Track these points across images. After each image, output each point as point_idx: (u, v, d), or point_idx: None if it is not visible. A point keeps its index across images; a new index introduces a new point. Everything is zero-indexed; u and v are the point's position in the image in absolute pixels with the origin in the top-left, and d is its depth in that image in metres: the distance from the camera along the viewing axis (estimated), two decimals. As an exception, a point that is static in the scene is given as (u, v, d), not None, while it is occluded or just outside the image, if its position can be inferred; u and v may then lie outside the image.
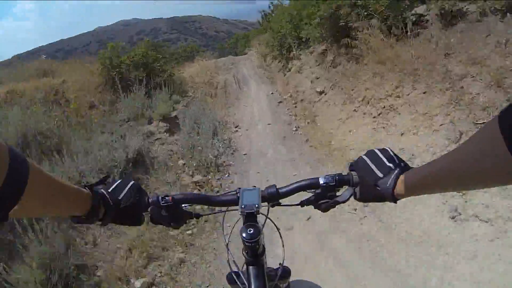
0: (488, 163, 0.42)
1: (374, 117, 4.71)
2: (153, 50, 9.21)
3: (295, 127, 6.11)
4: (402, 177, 0.66)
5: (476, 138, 0.46)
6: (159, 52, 9.64)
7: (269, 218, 0.86)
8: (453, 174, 0.51)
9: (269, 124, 6.53)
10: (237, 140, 6.04)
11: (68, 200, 0.59)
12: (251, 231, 0.76)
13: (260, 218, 0.83)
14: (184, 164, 4.91)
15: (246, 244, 0.78)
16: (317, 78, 7.17)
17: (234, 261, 0.86)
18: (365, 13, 5.59)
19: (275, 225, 0.91)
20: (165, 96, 6.92)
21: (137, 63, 7.62)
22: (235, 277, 0.90)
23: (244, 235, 0.77)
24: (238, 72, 12.07)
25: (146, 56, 8.22)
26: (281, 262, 0.91)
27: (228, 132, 6.42)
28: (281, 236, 0.94)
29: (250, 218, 0.79)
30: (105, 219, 0.71)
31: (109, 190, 0.74)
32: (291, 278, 1.07)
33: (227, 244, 0.88)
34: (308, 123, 6.06)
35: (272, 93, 8.61)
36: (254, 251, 0.80)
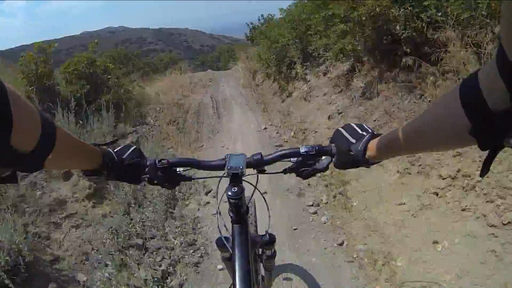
0: (448, 128, 0.46)
1: (492, 225, 2.09)
2: (119, 59, 6.87)
3: (313, 203, 3.34)
4: (373, 142, 0.70)
5: (438, 104, 0.50)
6: (127, 61, 7.15)
7: (257, 189, 0.96)
8: (418, 136, 0.56)
9: (264, 193, 3.75)
10: (209, 223, 3.25)
11: (85, 156, 0.68)
12: (235, 190, 0.82)
13: (248, 191, 0.90)
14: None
15: (231, 201, 0.83)
16: (340, 113, 4.57)
17: (225, 226, 0.91)
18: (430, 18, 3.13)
19: (260, 192, 0.97)
20: (107, 126, 4.58)
21: (80, 74, 5.51)
22: (224, 240, 0.91)
23: (229, 193, 0.82)
24: (218, 92, 9.41)
25: (93, 64, 5.49)
26: (267, 229, 0.98)
27: (194, 203, 3.64)
28: (266, 204, 0.98)
29: (235, 178, 0.84)
30: (110, 175, 0.79)
31: (115, 150, 0.82)
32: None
33: (218, 210, 0.90)
34: (334, 197, 3.35)
35: (265, 128, 5.90)
36: (238, 209, 0.85)
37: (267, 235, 0.99)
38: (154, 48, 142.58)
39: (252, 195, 0.97)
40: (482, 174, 0.45)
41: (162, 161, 0.85)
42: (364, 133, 0.75)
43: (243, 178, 0.87)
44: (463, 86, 0.41)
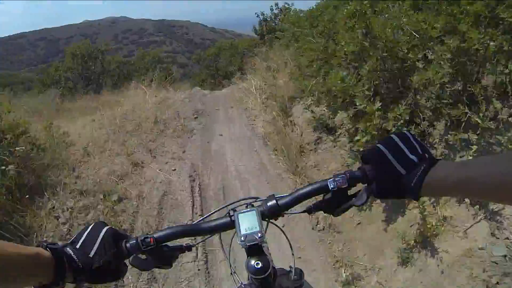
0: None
1: None
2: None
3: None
4: (428, 176, 0.55)
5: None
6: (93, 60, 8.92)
7: (279, 228, 0.81)
8: (494, 188, 0.47)
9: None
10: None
11: (25, 273, 0.49)
12: (259, 265, 0.66)
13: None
14: None
15: (257, 280, 0.68)
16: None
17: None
18: None
19: (283, 232, 0.84)
20: None
21: None
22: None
23: (251, 270, 0.66)
24: (209, 156, 4.35)
25: None
26: (292, 266, 0.81)
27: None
28: (289, 241, 0.85)
29: (254, 250, 0.67)
30: (79, 282, 0.58)
31: (77, 247, 0.60)
32: None
33: (233, 271, 0.81)
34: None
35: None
36: (268, 285, 0.70)
37: (294, 269, 0.80)
38: (154, 39, 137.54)
39: (266, 228, 0.73)
40: None
41: (146, 240, 0.66)
42: (414, 157, 0.57)
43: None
44: None
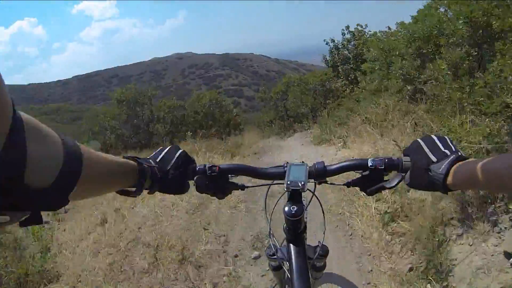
0: None
1: None
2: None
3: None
4: (456, 166, 0.60)
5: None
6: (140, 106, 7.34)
7: (315, 196, 0.88)
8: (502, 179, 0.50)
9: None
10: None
11: (117, 176, 0.60)
12: (294, 209, 0.73)
13: (306, 193, 0.80)
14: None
15: (288, 221, 0.76)
16: None
17: (274, 237, 0.86)
18: None
19: (320, 204, 0.92)
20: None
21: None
22: (275, 251, 0.87)
23: (287, 211, 0.74)
24: None
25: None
26: (321, 241, 0.89)
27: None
28: (324, 215, 0.93)
29: (294, 195, 0.76)
30: (152, 189, 0.70)
31: (158, 160, 0.73)
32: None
33: (269, 219, 0.88)
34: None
35: None
36: (296, 229, 0.78)
37: (321, 246, 0.89)
38: (220, 73, 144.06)
39: (308, 203, 0.87)
40: None
41: (213, 167, 0.78)
42: (447, 151, 0.64)
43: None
44: None
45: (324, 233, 0.89)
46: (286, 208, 0.74)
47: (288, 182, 0.75)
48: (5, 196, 0.34)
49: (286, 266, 0.81)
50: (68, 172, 0.41)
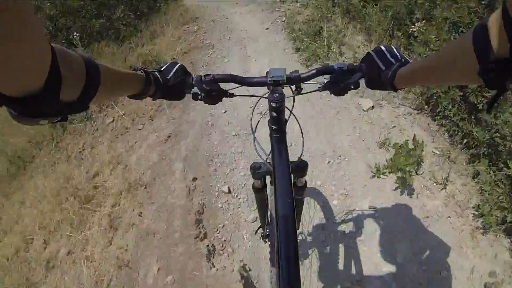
0: (460, 66, 0.52)
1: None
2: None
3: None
4: (401, 70, 0.76)
5: (454, 44, 0.57)
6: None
7: (292, 113, 0.98)
8: (432, 70, 0.62)
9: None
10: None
11: (128, 85, 0.72)
12: (276, 95, 0.86)
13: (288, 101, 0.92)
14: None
15: (272, 106, 0.87)
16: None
17: (262, 149, 0.96)
18: None
19: (296, 118, 1.00)
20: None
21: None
22: (260, 164, 0.98)
23: (271, 98, 0.86)
24: None
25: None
26: (300, 155, 1.00)
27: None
28: (301, 129, 1.01)
29: (276, 86, 0.88)
30: (155, 95, 0.84)
31: (161, 70, 0.86)
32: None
33: (254, 131, 0.98)
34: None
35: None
36: (279, 115, 0.89)
37: (300, 160, 1.01)
38: None
39: (288, 118, 0.96)
40: (488, 112, 0.63)
41: (208, 75, 0.89)
42: (393, 60, 0.79)
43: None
44: (475, 32, 0.45)
45: (302, 149, 0.98)
46: (270, 96, 0.86)
47: (271, 76, 0.86)
48: (45, 109, 0.43)
49: (269, 190, 0.97)
50: (90, 84, 0.50)
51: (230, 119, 3.40)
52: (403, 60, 0.78)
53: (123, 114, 3.87)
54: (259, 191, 1.11)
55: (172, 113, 3.70)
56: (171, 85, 0.84)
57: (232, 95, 0.96)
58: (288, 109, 0.94)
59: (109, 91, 0.62)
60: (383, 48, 0.82)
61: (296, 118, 1.00)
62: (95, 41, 5.59)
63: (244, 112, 3.41)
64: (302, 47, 4.01)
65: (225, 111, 3.50)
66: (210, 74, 0.89)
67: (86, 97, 0.50)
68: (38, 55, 0.37)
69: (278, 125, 0.90)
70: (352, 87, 0.86)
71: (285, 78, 0.86)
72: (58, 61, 0.41)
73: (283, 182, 0.79)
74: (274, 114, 0.88)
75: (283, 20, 5.08)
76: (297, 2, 5.55)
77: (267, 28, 5.05)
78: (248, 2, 6.36)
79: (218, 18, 6.03)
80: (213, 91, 0.90)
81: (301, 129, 1.00)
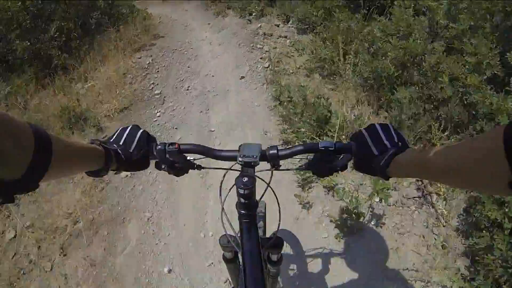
0: (486, 174, 0.41)
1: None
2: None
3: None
4: (397, 157, 0.65)
5: (476, 142, 0.45)
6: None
7: (270, 187, 0.80)
8: (450, 171, 0.50)
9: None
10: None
11: (85, 161, 0.62)
12: (246, 179, 0.75)
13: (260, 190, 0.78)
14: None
15: (240, 192, 0.75)
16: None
17: (229, 223, 0.80)
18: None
19: (274, 193, 0.84)
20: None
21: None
22: (228, 238, 0.87)
23: (239, 183, 0.74)
24: None
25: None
26: (275, 232, 0.86)
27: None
28: (278, 203, 0.87)
29: (247, 168, 0.79)
30: (117, 170, 0.74)
31: (121, 143, 0.74)
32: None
33: (222, 204, 0.81)
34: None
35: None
36: (247, 200, 0.76)
37: (275, 237, 0.87)
38: None
39: (263, 193, 0.79)
40: None
41: (172, 145, 0.80)
42: (388, 143, 0.67)
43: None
44: (507, 133, 0.36)
45: (278, 225, 0.85)
46: (238, 180, 0.74)
47: (241, 157, 0.76)
48: None
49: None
50: (39, 159, 0.41)
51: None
52: (400, 143, 0.67)
53: (28, 227, 2.39)
54: (231, 261, 0.97)
55: (92, 248, 2.24)
56: (134, 159, 0.74)
57: (199, 167, 0.88)
58: (265, 182, 0.79)
59: (63, 168, 0.51)
60: (378, 128, 0.71)
61: (274, 193, 0.84)
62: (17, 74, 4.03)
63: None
64: (293, 135, 2.59)
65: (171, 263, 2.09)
66: (175, 143, 0.80)
67: (34, 175, 0.42)
68: None
69: (247, 210, 0.76)
70: (338, 169, 0.76)
71: (258, 159, 0.76)
72: None
73: (252, 265, 0.71)
74: (242, 200, 0.75)
75: (266, 66, 3.65)
76: (286, 39, 4.11)
77: (243, 77, 3.62)
78: (222, 28, 4.88)
79: (181, 46, 4.57)
80: (178, 162, 0.82)
81: (278, 204, 0.85)
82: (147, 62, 4.20)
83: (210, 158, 0.84)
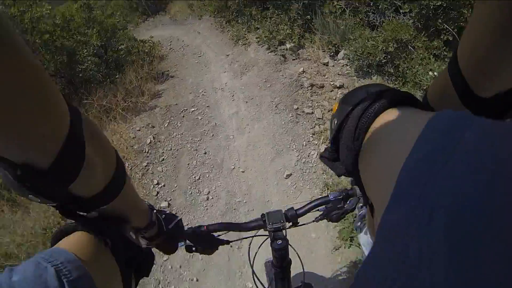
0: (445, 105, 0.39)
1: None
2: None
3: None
4: None
5: (437, 80, 0.42)
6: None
7: (289, 244, 0.89)
8: None
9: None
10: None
11: (137, 211, 0.54)
12: (280, 242, 0.82)
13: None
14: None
15: (277, 255, 0.83)
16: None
17: (261, 283, 0.91)
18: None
19: (293, 248, 0.92)
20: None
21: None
22: None
23: (274, 247, 0.82)
24: None
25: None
26: (302, 280, 0.98)
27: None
28: (299, 257, 0.97)
29: (277, 233, 0.85)
30: (153, 239, 0.68)
31: (163, 217, 0.74)
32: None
33: (252, 267, 0.91)
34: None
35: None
36: (283, 260, 0.85)
37: (304, 284, 0.99)
38: None
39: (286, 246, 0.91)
40: None
41: (201, 228, 0.85)
42: None
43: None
44: (451, 65, 0.35)
45: (304, 274, 0.95)
46: (274, 244, 0.82)
47: (270, 223, 0.84)
48: (48, 191, 0.30)
49: None
50: (114, 185, 0.37)
51: None
52: None
53: None
54: None
55: None
56: (170, 235, 0.72)
57: (228, 242, 0.90)
58: (291, 247, 0.89)
59: (120, 207, 0.44)
60: None
61: (293, 248, 0.91)
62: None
63: None
64: None
65: None
66: (203, 226, 0.85)
67: (106, 198, 0.37)
68: (44, 113, 0.26)
69: (281, 269, 0.88)
70: (348, 211, 0.85)
71: (285, 223, 0.84)
72: (84, 134, 0.29)
73: None
74: (278, 260, 0.85)
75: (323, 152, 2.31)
76: (344, 90, 2.75)
77: (289, 176, 2.33)
78: (246, 68, 3.54)
79: (193, 102, 3.33)
80: (207, 242, 0.86)
81: (300, 259, 0.96)
82: (148, 142, 2.99)
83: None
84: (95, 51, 4.13)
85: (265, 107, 2.90)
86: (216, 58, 4.12)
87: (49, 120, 0.26)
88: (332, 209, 0.86)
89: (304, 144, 2.50)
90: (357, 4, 3.33)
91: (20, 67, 0.23)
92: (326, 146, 0.44)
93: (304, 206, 0.88)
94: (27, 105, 0.24)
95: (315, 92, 2.82)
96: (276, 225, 0.84)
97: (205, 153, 2.73)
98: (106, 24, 4.44)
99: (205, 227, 0.85)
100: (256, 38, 3.84)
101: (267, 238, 0.88)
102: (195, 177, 2.61)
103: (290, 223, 0.89)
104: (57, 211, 0.36)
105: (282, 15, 3.71)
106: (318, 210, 0.89)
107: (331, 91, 2.81)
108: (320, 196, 0.90)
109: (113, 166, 0.37)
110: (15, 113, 0.23)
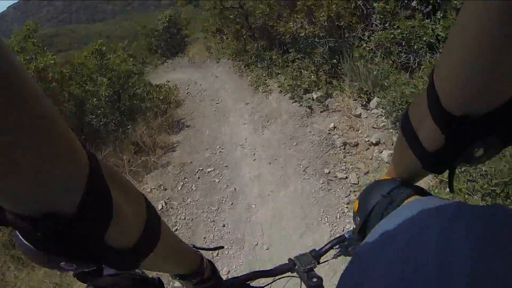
0: (404, 159, 0.44)
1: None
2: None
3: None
4: None
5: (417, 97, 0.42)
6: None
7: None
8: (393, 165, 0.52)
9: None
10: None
11: (183, 260, 0.54)
12: (316, 280, 0.83)
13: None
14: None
15: None
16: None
17: None
18: None
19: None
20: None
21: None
22: None
23: (310, 284, 0.82)
24: None
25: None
26: None
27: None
28: None
29: (310, 273, 0.85)
30: (201, 285, 0.65)
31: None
32: None
33: None
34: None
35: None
36: None
37: None
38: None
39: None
40: (450, 190, 0.44)
41: (240, 277, 0.86)
42: None
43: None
44: (402, 122, 0.39)
45: None
46: (310, 282, 0.83)
47: (303, 265, 0.85)
48: (80, 252, 0.26)
49: None
50: (149, 234, 0.34)
51: None
52: None
53: None
54: None
55: None
56: (221, 283, 0.72)
57: None
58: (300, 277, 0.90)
59: (162, 258, 0.42)
60: None
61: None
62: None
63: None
64: None
65: None
66: (243, 275, 0.86)
67: (142, 250, 0.33)
68: (59, 156, 0.23)
69: None
70: None
71: (315, 261, 0.84)
72: (106, 179, 0.26)
73: None
74: None
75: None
76: (379, 148, 2.38)
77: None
78: (268, 121, 3.23)
79: (209, 161, 3.05)
80: None
81: None
82: (160, 208, 2.67)
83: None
84: (107, 99, 3.97)
85: (291, 170, 2.54)
86: (235, 106, 3.85)
87: (68, 158, 0.23)
88: (349, 245, 0.89)
89: (338, 217, 2.10)
90: (388, 45, 3.02)
91: (37, 113, 0.20)
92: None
93: (324, 246, 0.91)
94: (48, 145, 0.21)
95: (348, 152, 2.45)
96: (309, 265, 0.87)
97: (224, 226, 2.37)
98: (119, 71, 4.31)
99: (238, 278, 0.88)
100: (278, 86, 3.55)
101: (290, 278, 0.93)
102: (212, 253, 2.25)
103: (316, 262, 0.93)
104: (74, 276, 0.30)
105: (306, 59, 3.43)
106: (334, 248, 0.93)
107: (367, 149, 2.43)
108: (337, 236, 0.91)
109: (143, 209, 0.33)
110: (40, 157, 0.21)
